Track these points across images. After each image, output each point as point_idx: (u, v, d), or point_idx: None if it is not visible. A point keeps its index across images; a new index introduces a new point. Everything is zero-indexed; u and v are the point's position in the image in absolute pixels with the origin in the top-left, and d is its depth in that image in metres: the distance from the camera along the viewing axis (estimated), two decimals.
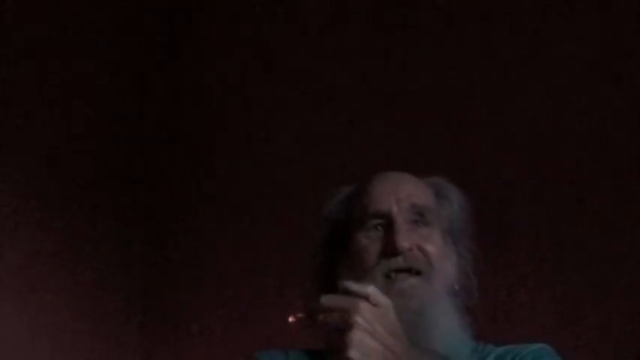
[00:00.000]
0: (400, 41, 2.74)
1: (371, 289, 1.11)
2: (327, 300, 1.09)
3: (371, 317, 1.08)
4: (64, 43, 2.91)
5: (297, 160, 2.83)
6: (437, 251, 1.35)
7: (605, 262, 2.34)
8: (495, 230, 2.37)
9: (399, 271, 1.31)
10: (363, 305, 1.08)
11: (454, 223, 1.41)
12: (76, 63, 2.94)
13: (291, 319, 1.09)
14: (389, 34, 2.75)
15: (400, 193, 1.37)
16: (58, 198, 2.85)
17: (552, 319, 2.33)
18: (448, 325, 1.30)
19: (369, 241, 1.34)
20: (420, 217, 1.36)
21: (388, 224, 1.34)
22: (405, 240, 1.31)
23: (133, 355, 2.99)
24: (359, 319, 1.07)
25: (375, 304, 1.09)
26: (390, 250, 1.31)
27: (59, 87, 2.89)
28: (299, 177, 2.79)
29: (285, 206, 2.80)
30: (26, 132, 2.78)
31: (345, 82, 2.81)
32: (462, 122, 2.60)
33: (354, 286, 1.11)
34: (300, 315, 1.10)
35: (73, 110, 2.93)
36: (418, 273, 1.32)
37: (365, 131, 2.73)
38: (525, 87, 2.55)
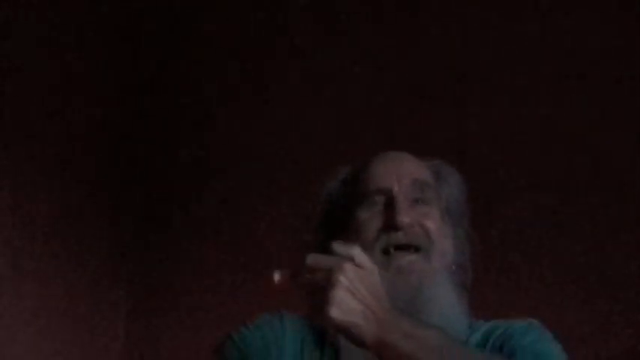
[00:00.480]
0: (399, 20, 2.78)
1: (356, 251, 1.12)
2: (312, 259, 1.10)
3: (354, 277, 1.08)
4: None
5: (297, 143, 2.87)
6: (436, 228, 1.36)
7: (599, 244, 2.37)
8: (486, 211, 2.39)
9: (398, 247, 1.32)
10: (347, 266, 1.09)
11: (452, 204, 1.42)
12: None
13: (276, 276, 1.10)
14: (389, 13, 2.79)
15: (401, 170, 1.38)
16: (51, 166, 2.89)
17: (541, 301, 2.35)
18: (445, 301, 1.31)
19: (370, 217, 1.35)
20: (420, 194, 1.37)
21: (389, 201, 1.35)
22: (406, 216, 1.32)
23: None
24: (342, 279, 1.07)
25: (359, 266, 1.10)
26: (390, 225, 1.32)
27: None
28: (298, 159, 2.83)
29: (283, 186, 2.83)
30: None
31: (343, 64, 2.85)
32: (459, 103, 2.64)
33: (339, 246, 1.12)
34: (285, 272, 1.11)
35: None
36: (417, 249, 1.33)
37: (364, 113, 2.77)
38: (521, 69, 2.60)
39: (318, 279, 1.09)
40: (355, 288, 1.08)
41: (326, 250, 1.15)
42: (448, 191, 1.43)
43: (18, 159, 2.78)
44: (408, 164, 1.41)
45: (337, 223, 1.39)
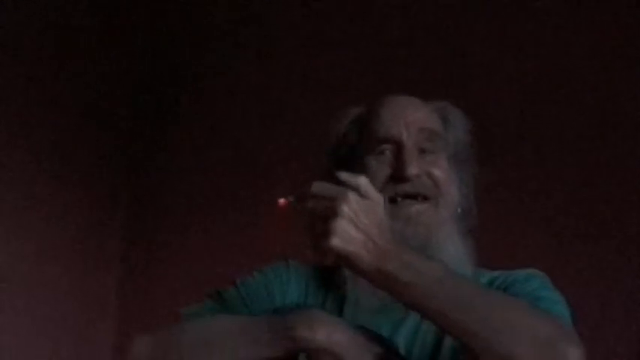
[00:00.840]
0: None
1: (362, 181, 1.12)
2: (317, 187, 1.10)
3: (357, 208, 1.09)
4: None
5: (302, 83, 2.90)
6: (444, 176, 1.36)
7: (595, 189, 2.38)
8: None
9: (406, 196, 1.33)
10: (352, 195, 1.09)
11: (458, 148, 1.43)
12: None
13: (281, 202, 1.10)
14: None
15: (409, 117, 1.38)
16: (49, 101, 2.99)
17: (539, 249, 2.35)
18: (453, 250, 1.32)
19: (378, 165, 1.35)
20: (428, 142, 1.37)
21: (398, 150, 1.35)
22: (414, 167, 1.33)
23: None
24: (345, 208, 1.08)
25: (364, 196, 1.11)
26: (399, 175, 1.33)
27: None
28: (306, 97, 2.86)
29: (286, 126, 2.86)
30: None
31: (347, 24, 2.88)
32: (456, 45, 2.67)
33: (346, 176, 1.12)
34: (290, 198, 1.11)
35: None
36: (425, 198, 1.34)
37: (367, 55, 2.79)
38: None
39: (321, 207, 1.09)
40: (358, 218, 1.08)
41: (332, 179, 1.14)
42: (455, 136, 1.43)
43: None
44: (415, 110, 1.40)
45: (344, 165, 1.38)
